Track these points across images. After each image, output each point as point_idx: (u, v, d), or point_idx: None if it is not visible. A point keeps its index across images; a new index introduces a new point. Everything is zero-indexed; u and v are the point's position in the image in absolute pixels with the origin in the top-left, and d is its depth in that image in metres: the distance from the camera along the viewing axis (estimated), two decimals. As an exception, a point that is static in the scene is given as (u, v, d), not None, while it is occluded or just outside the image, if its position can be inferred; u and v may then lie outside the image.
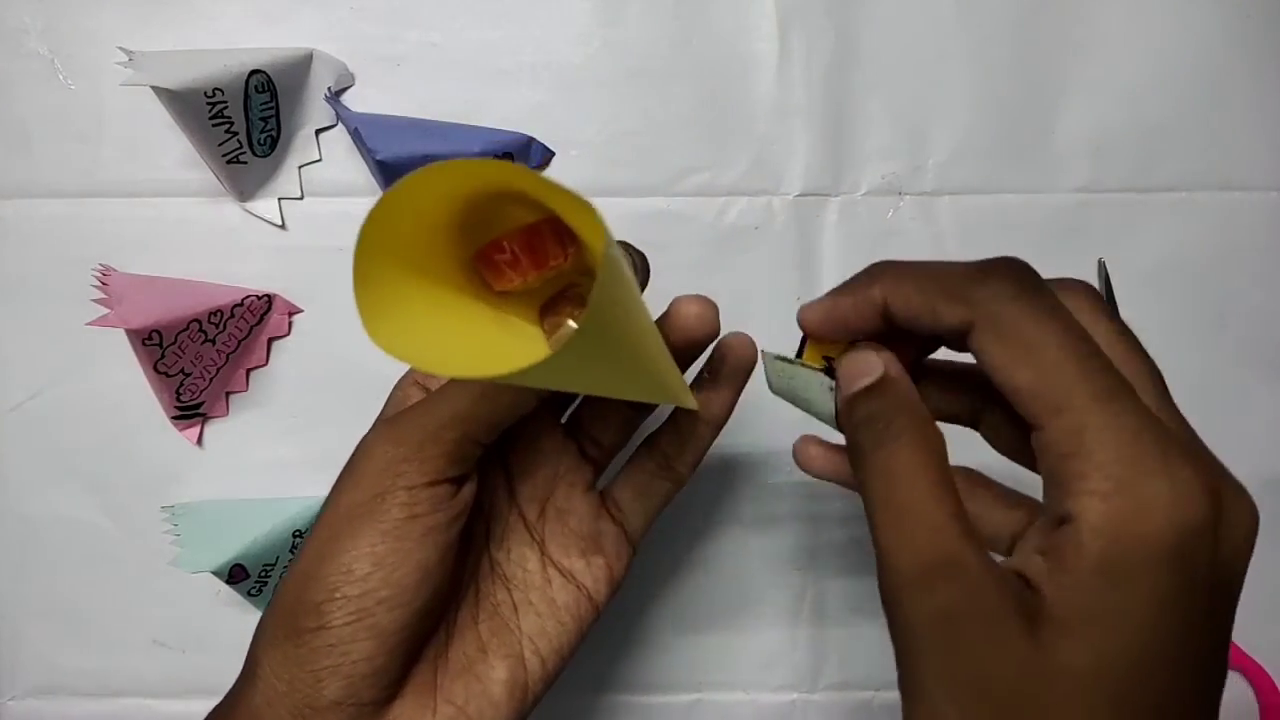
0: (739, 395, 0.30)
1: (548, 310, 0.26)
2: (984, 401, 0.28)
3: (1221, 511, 0.20)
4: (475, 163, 0.21)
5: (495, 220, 0.24)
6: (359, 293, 0.21)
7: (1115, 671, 0.20)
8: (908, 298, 0.24)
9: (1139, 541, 0.20)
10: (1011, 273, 0.23)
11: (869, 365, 0.24)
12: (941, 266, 0.24)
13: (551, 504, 0.30)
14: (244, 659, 0.27)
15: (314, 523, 0.27)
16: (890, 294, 0.24)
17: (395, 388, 0.30)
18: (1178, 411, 0.23)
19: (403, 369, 0.33)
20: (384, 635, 0.25)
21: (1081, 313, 0.23)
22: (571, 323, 0.26)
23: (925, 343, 0.27)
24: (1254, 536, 0.21)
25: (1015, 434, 0.27)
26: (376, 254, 0.21)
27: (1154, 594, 0.20)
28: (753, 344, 0.29)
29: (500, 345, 0.25)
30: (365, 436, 0.27)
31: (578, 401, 0.32)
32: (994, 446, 0.28)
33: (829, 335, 0.26)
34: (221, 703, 0.27)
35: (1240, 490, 0.21)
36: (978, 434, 0.28)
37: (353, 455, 0.27)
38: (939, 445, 0.23)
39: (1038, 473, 0.23)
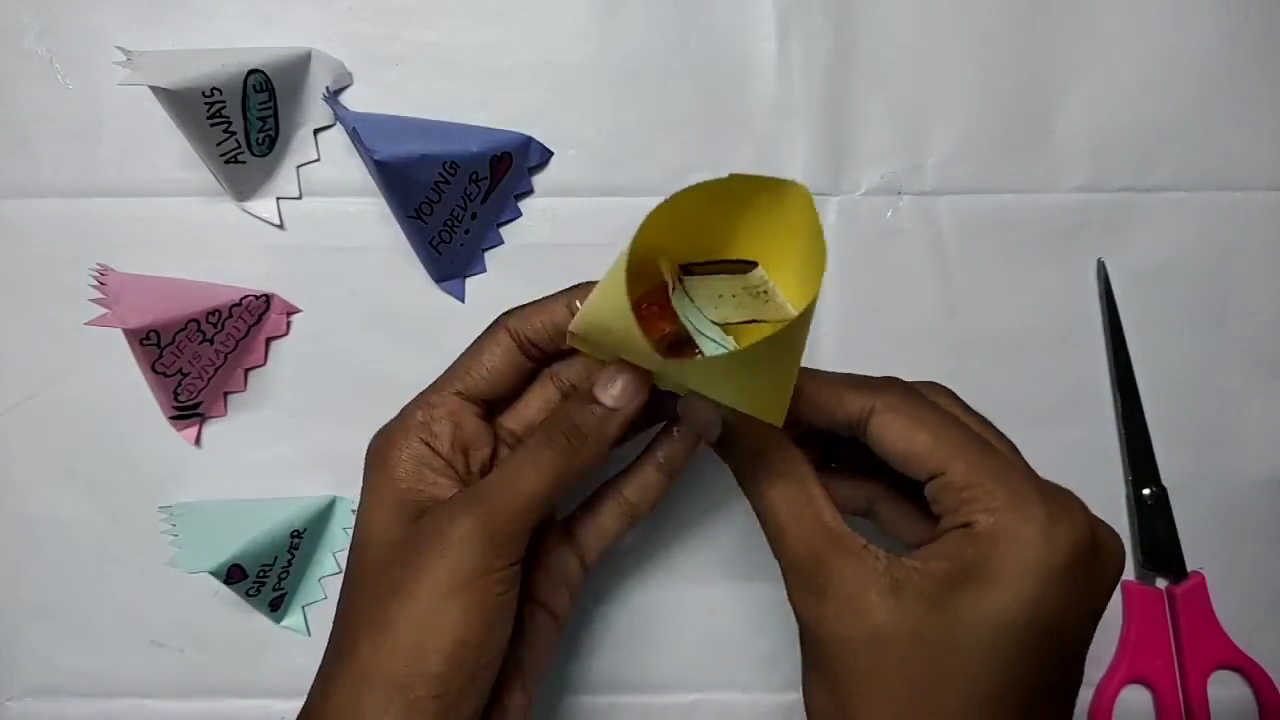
0: (694, 449, 0.33)
1: (672, 354, 0.30)
2: (879, 494, 0.33)
3: (1097, 539, 0.26)
4: (751, 177, 0.24)
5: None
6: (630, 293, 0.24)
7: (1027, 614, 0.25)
8: (818, 390, 0.29)
9: (1020, 526, 0.26)
10: (895, 380, 0.30)
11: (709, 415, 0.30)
12: (835, 374, 0.30)
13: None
14: None
15: (397, 591, 0.28)
16: (804, 384, 0.29)
17: (416, 406, 0.32)
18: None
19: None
20: (483, 693, 0.29)
21: (951, 406, 0.30)
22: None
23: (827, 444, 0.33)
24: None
25: (908, 518, 0.32)
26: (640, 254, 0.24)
27: (1031, 565, 0.25)
28: (716, 409, 0.31)
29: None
30: (447, 508, 0.29)
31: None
32: (884, 531, 0.33)
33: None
34: None
35: (1113, 532, 0.27)
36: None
37: (438, 526, 0.29)
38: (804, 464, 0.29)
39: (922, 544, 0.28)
